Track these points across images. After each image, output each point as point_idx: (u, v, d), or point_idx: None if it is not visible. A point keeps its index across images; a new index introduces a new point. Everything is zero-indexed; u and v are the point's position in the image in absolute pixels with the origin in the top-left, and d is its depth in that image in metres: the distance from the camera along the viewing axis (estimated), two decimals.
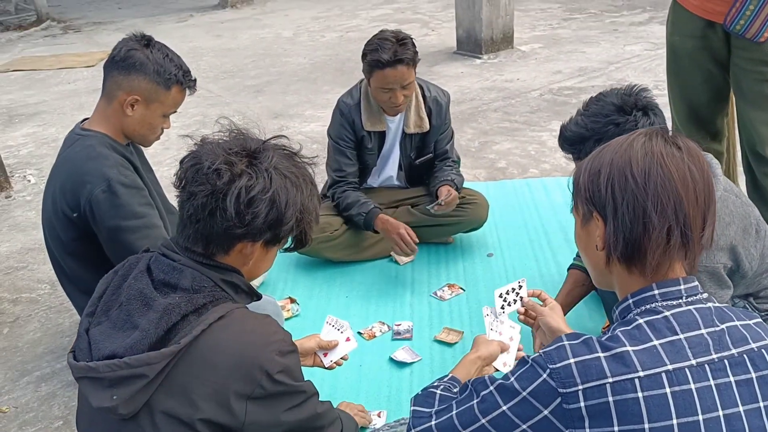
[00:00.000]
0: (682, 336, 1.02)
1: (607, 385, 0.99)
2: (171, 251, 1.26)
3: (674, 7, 2.55)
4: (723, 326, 1.05)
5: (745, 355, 1.03)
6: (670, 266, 1.09)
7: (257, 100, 5.53)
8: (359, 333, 2.46)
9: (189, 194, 1.23)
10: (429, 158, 2.93)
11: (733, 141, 2.78)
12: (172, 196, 1.33)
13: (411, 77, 2.61)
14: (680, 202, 1.05)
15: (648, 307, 1.08)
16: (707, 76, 2.53)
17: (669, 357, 1.00)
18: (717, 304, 1.09)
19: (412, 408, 1.30)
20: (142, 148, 2.24)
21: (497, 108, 4.88)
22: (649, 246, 1.06)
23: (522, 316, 1.76)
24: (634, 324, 1.05)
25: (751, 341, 1.04)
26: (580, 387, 1.00)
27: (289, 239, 1.37)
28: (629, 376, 0.99)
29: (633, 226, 1.07)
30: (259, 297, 1.37)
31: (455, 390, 1.39)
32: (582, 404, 1.00)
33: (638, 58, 5.80)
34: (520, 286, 1.77)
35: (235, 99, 5.62)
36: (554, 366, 1.03)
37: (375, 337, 2.45)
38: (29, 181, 4.18)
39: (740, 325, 1.06)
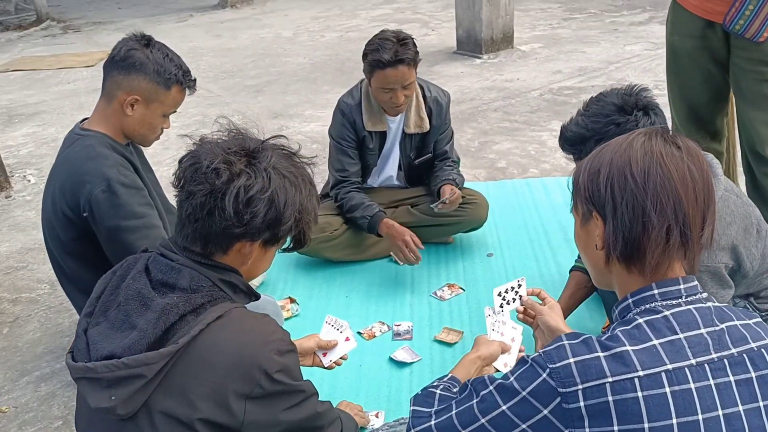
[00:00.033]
0: (681, 335, 1.02)
1: (607, 385, 0.99)
2: (169, 251, 1.26)
3: (674, 6, 2.55)
4: (723, 326, 1.05)
5: (744, 355, 1.03)
6: (670, 266, 1.09)
7: (257, 100, 5.53)
8: (359, 333, 2.46)
9: (188, 193, 1.23)
10: (428, 158, 2.93)
11: (733, 141, 2.77)
12: (171, 196, 1.33)
13: (412, 77, 2.61)
14: (679, 201, 1.05)
15: (647, 306, 1.08)
16: (707, 76, 2.53)
17: (669, 356, 1.00)
18: (716, 304, 1.09)
19: (412, 408, 1.30)
20: (142, 148, 2.24)
21: (497, 108, 4.88)
22: (648, 245, 1.06)
23: (521, 315, 1.76)
24: (634, 324, 1.05)
25: (750, 341, 1.04)
26: (580, 386, 1.00)
27: (288, 239, 1.37)
28: (629, 375, 0.99)
29: (632, 226, 1.07)
30: (257, 297, 1.37)
31: (455, 390, 1.39)
32: (582, 404, 1.00)
33: (638, 58, 5.80)
34: (519, 285, 1.77)
35: (234, 99, 5.62)
36: (554, 365, 1.03)
37: (375, 337, 2.45)
38: (29, 180, 4.18)
39: (740, 324, 1.06)
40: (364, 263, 2.93)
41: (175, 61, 2.04)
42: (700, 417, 0.98)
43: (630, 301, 1.11)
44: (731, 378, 1.01)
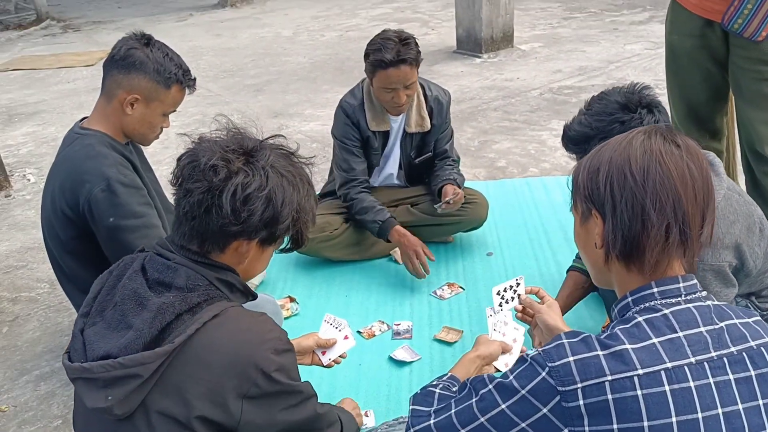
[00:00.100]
0: (681, 334, 1.02)
1: (606, 383, 0.99)
2: (166, 250, 1.25)
3: (673, 6, 2.54)
4: (722, 324, 1.04)
5: (744, 353, 1.02)
6: (669, 264, 1.09)
7: (257, 99, 5.53)
8: (359, 332, 2.46)
9: (185, 191, 1.23)
10: (428, 157, 2.93)
11: (733, 140, 2.77)
12: (171, 195, 1.33)
13: (414, 77, 2.60)
14: (679, 199, 1.05)
15: (647, 305, 1.08)
16: (706, 75, 2.53)
17: (668, 355, 1.00)
18: (716, 302, 1.09)
19: (411, 407, 1.29)
20: (142, 147, 2.24)
21: (497, 107, 4.88)
22: (647, 244, 1.06)
23: (520, 314, 1.76)
24: (633, 322, 1.05)
25: (750, 339, 1.04)
26: (579, 385, 1.00)
27: (286, 240, 1.37)
28: (628, 374, 0.99)
29: (632, 224, 1.06)
30: (254, 297, 1.36)
31: (454, 389, 1.39)
32: (581, 402, 1.00)
33: (638, 57, 5.80)
34: (518, 284, 1.77)
35: (234, 98, 5.62)
36: (553, 364, 1.03)
37: (374, 336, 2.45)
38: (29, 180, 4.18)
39: (739, 323, 1.06)
40: (364, 262, 2.92)
41: (175, 61, 2.04)
42: (700, 415, 0.97)
43: (629, 299, 1.11)
44: (731, 376, 1.00)
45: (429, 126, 2.82)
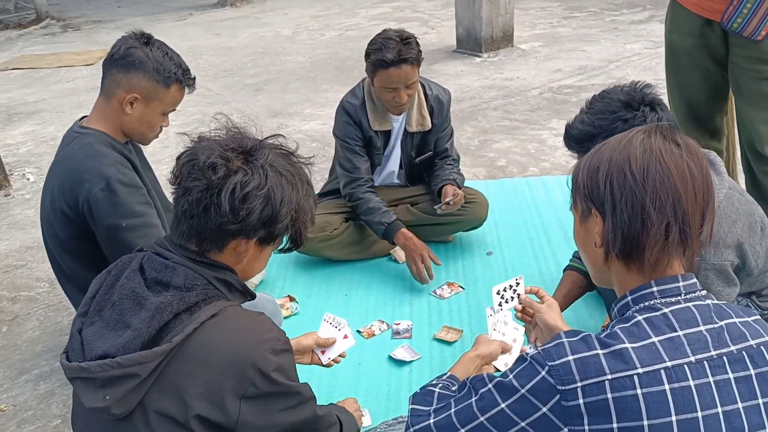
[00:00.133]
0: (680, 333, 1.02)
1: (606, 382, 0.99)
2: (164, 249, 1.25)
3: (673, 5, 2.54)
4: (722, 323, 1.04)
5: (744, 352, 1.02)
6: (669, 263, 1.09)
7: (256, 99, 5.53)
8: (359, 331, 2.46)
9: (184, 190, 1.22)
10: (428, 156, 2.93)
11: (733, 139, 2.77)
12: (170, 195, 1.33)
13: (415, 77, 2.60)
14: (679, 198, 1.05)
15: (647, 304, 1.08)
16: (705, 74, 2.53)
17: (668, 354, 1.00)
18: (716, 301, 1.09)
19: (411, 406, 1.29)
20: (141, 146, 2.24)
21: (497, 106, 4.88)
22: (647, 242, 1.06)
23: (519, 313, 1.76)
24: (633, 321, 1.05)
25: (750, 338, 1.04)
26: (579, 384, 1.00)
27: (284, 240, 1.37)
28: (628, 373, 0.99)
29: (631, 223, 1.06)
30: (253, 296, 1.36)
31: (454, 388, 1.39)
32: (581, 401, 1.00)
33: (638, 57, 5.79)
34: (518, 283, 1.77)
35: (234, 97, 5.62)
36: (553, 363, 1.03)
37: (374, 335, 2.45)
38: (28, 179, 4.18)
39: (739, 322, 1.06)
40: (364, 262, 2.92)
41: (174, 60, 2.04)
42: (700, 414, 0.97)
43: (629, 298, 1.11)
44: (730, 375, 1.00)
45: (430, 125, 2.82)
